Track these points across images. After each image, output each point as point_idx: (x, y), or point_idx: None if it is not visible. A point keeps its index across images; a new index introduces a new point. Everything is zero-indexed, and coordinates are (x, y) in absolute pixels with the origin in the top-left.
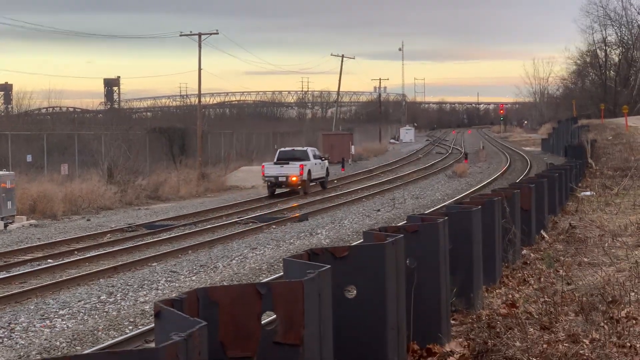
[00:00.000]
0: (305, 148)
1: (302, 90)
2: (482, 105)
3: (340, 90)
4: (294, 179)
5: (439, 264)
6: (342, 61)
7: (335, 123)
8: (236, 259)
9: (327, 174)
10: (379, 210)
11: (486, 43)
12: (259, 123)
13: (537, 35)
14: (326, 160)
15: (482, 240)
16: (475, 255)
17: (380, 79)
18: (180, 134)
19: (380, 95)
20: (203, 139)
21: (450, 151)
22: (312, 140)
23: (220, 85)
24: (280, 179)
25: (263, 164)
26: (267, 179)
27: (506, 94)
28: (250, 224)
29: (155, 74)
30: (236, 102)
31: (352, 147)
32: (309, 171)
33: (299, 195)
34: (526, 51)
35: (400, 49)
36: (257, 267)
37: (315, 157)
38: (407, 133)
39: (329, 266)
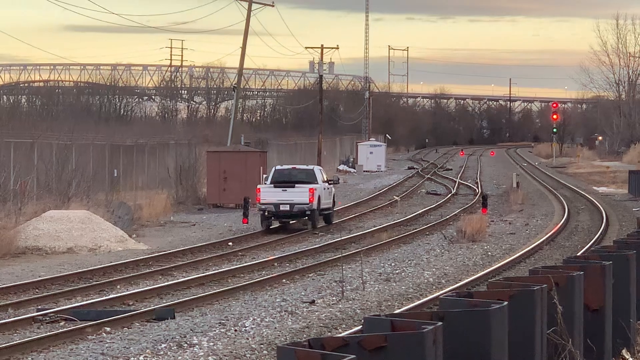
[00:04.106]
0: (311, 167)
1: (170, 66)
2: (517, 103)
3: (245, 66)
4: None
5: None
6: (249, 9)
7: (234, 130)
8: None
9: (334, 203)
10: (312, 302)
11: None
12: (86, 125)
13: None
14: (332, 186)
15: None
16: None
17: (322, 48)
18: None
19: (321, 78)
20: None
21: (454, 190)
22: (187, 161)
23: (15, 52)
24: (282, 207)
25: (259, 186)
26: (263, 207)
27: (563, 83)
28: (63, 324)
29: None
30: (43, 84)
31: (265, 177)
32: (319, 198)
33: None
34: (602, 3)
35: None
36: None
37: (323, 180)
38: (373, 153)
39: None
